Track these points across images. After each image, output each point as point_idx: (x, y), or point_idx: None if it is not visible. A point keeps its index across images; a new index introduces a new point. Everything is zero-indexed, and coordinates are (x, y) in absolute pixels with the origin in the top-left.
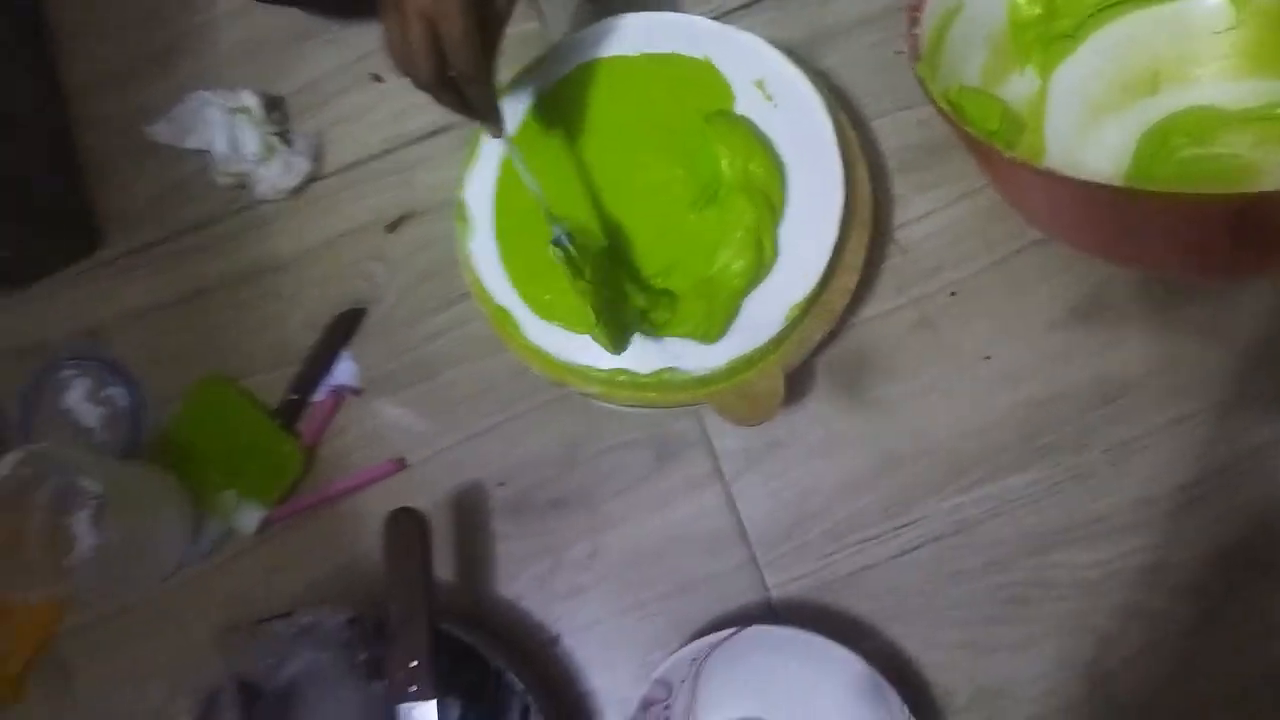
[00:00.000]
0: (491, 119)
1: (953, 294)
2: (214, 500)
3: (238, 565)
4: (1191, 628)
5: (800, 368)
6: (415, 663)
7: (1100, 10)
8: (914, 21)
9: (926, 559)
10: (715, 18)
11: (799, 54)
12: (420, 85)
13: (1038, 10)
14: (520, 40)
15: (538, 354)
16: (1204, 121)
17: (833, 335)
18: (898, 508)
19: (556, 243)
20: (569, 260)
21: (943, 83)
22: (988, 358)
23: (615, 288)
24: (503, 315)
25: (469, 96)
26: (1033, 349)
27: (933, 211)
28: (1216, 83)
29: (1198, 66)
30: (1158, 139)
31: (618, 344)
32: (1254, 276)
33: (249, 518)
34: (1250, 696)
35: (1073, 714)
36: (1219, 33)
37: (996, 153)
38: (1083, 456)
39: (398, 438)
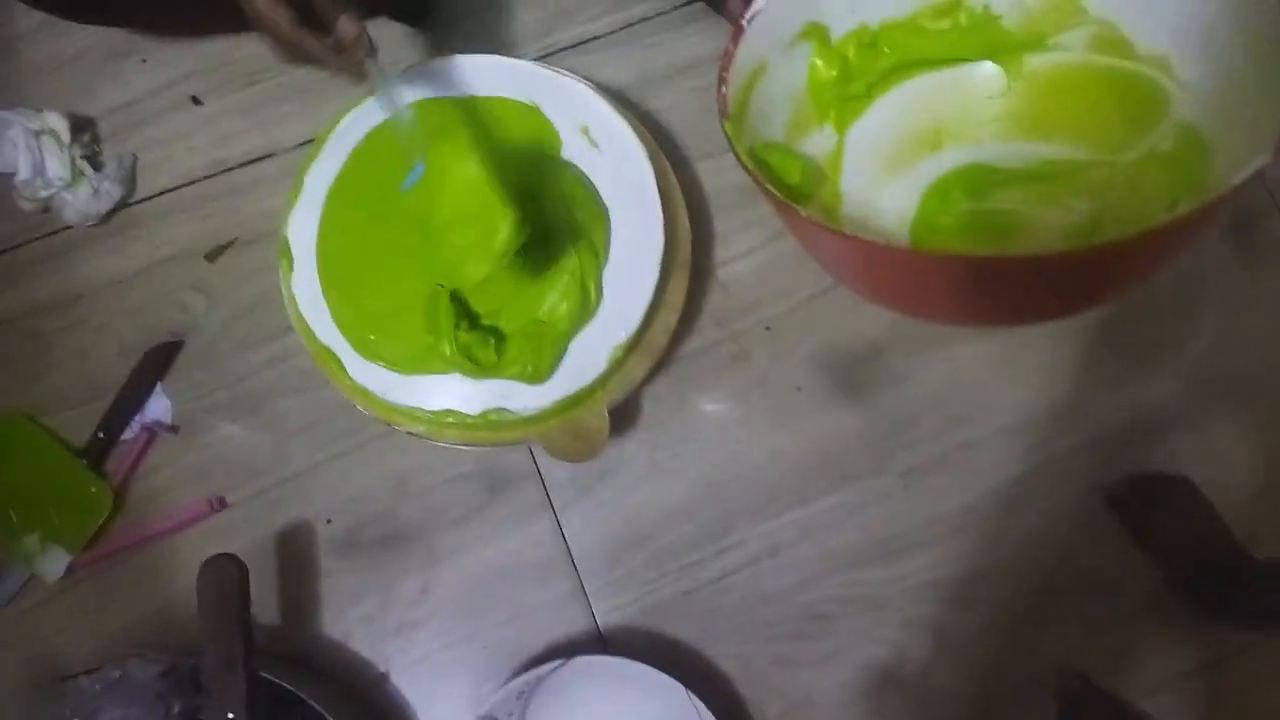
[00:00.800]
0: (354, 62)
1: (767, 328)
2: (15, 545)
3: (42, 614)
4: (972, 637)
5: (625, 401)
6: (232, 715)
7: (889, 73)
8: (722, 81)
9: (742, 581)
10: (546, 55)
11: (627, 96)
12: (283, 37)
13: (834, 72)
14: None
15: (363, 393)
16: (981, 178)
17: (656, 369)
18: (717, 532)
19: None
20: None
21: (749, 138)
22: (799, 389)
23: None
24: (327, 354)
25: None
26: (837, 380)
27: (752, 250)
28: (993, 143)
29: (976, 128)
30: (940, 193)
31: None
32: (1005, 326)
33: (54, 563)
34: (1020, 697)
35: (873, 718)
36: (993, 97)
37: (790, 209)
38: (880, 480)
39: (217, 475)
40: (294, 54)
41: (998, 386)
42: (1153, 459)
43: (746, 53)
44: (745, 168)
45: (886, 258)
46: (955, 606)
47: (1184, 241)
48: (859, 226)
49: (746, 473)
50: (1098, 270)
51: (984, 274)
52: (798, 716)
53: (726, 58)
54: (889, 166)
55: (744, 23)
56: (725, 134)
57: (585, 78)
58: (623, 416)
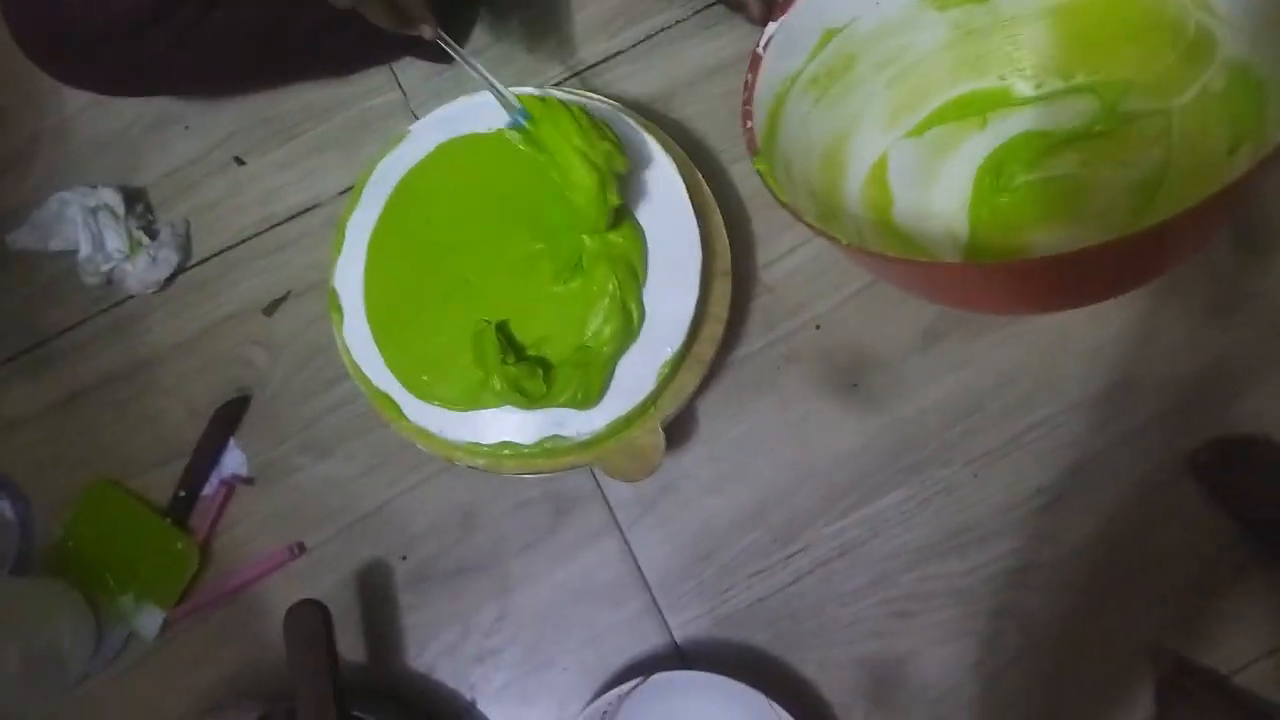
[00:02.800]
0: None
1: (818, 327)
2: (112, 606)
3: (142, 670)
4: (1059, 621)
5: (680, 415)
6: None
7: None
8: (747, 115)
9: (815, 584)
10: (572, 76)
11: (655, 108)
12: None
13: None
14: (384, 111)
15: (422, 434)
16: (1033, 147)
17: (709, 379)
18: (785, 537)
19: (515, 125)
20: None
21: (784, 163)
22: (855, 385)
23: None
24: (384, 399)
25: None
26: (894, 373)
27: (795, 248)
28: (1039, 108)
29: (1018, 93)
30: (993, 170)
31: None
32: (1069, 309)
33: (150, 621)
34: (1116, 678)
35: (964, 714)
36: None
37: (834, 239)
38: (947, 471)
39: (295, 522)
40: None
41: (1062, 364)
42: (1233, 421)
43: (767, 78)
44: (784, 205)
45: (938, 273)
46: (1039, 591)
47: (1249, 195)
48: (913, 224)
49: (809, 475)
50: (1160, 245)
51: (1039, 274)
52: (883, 716)
53: (748, 89)
54: (935, 154)
55: (760, 50)
56: (757, 172)
57: (612, 94)
58: (679, 430)
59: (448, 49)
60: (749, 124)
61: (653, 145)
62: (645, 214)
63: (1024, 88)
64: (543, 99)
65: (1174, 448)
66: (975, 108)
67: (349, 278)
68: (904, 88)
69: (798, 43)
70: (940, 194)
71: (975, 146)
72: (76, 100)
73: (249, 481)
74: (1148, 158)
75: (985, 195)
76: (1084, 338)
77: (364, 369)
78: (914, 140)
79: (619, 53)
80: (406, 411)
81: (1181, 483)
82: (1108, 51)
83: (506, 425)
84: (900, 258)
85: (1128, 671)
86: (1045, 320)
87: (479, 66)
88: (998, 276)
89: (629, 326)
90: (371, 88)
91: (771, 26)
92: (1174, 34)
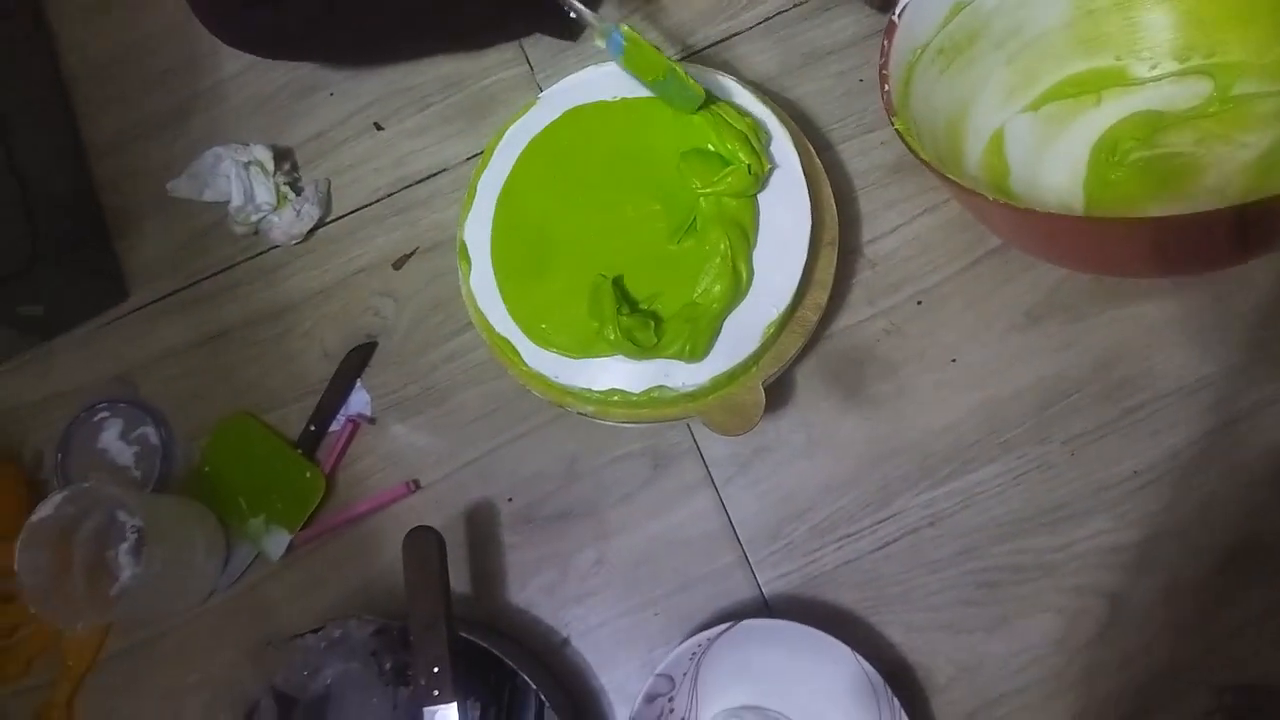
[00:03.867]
0: None
1: (919, 303)
2: (243, 528)
3: (268, 587)
4: (1148, 604)
5: (780, 378)
6: (437, 669)
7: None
8: (884, 79)
9: (903, 550)
10: (698, 50)
11: (771, 85)
12: None
13: None
14: (511, 84)
15: (537, 378)
16: (1148, 125)
17: (809, 346)
18: (876, 504)
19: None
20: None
21: (916, 128)
22: (954, 360)
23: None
24: (503, 344)
25: None
26: (994, 351)
27: (899, 226)
28: (1153, 87)
29: (1134, 72)
30: (1109, 146)
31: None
32: (1200, 273)
33: (277, 542)
34: (1200, 668)
35: (1046, 686)
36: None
37: (977, 195)
38: (1043, 449)
39: (411, 461)
40: None
41: (1168, 348)
42: None
43: (899, 47)
44: (924, 162)
45: (1063, 225)
46: (1130, 573)
47: None
48: (1028, 195)
49: (903, 446)
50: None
51: (1159, 233)
52: (966, 681)
53: (884, 55)
54: (1050, 126)
55: (895, 18)
56: (898, 132)
57: (730, 71)
58: (778, 394)
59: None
60: (886, 88)
61: (770, 118)
62: (761, 181)
63: (1140, 68)
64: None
65: (1273, 439)
66: (1091, 86)
67: (477, 232)
68: (1023, 63)
69: (928, 14)
70: (1055, 168)
71: (1090, 123)
72: (234, 63)
73: (372, 421)
74: (1262, 137)
75: (1099, 170)
76: (1190, 324)
77: (487, 316)
78: (1031, 115)
79: (737, 33)
80: (525, 356)
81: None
82: (1223, 35)
83: (617, 374)
84: (1034, 210)
85: (1216, 654)
86: (1149, 305)
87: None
88: (1123, 231)
89: (738, 286)
90: (501, 61)
91: None
92: None
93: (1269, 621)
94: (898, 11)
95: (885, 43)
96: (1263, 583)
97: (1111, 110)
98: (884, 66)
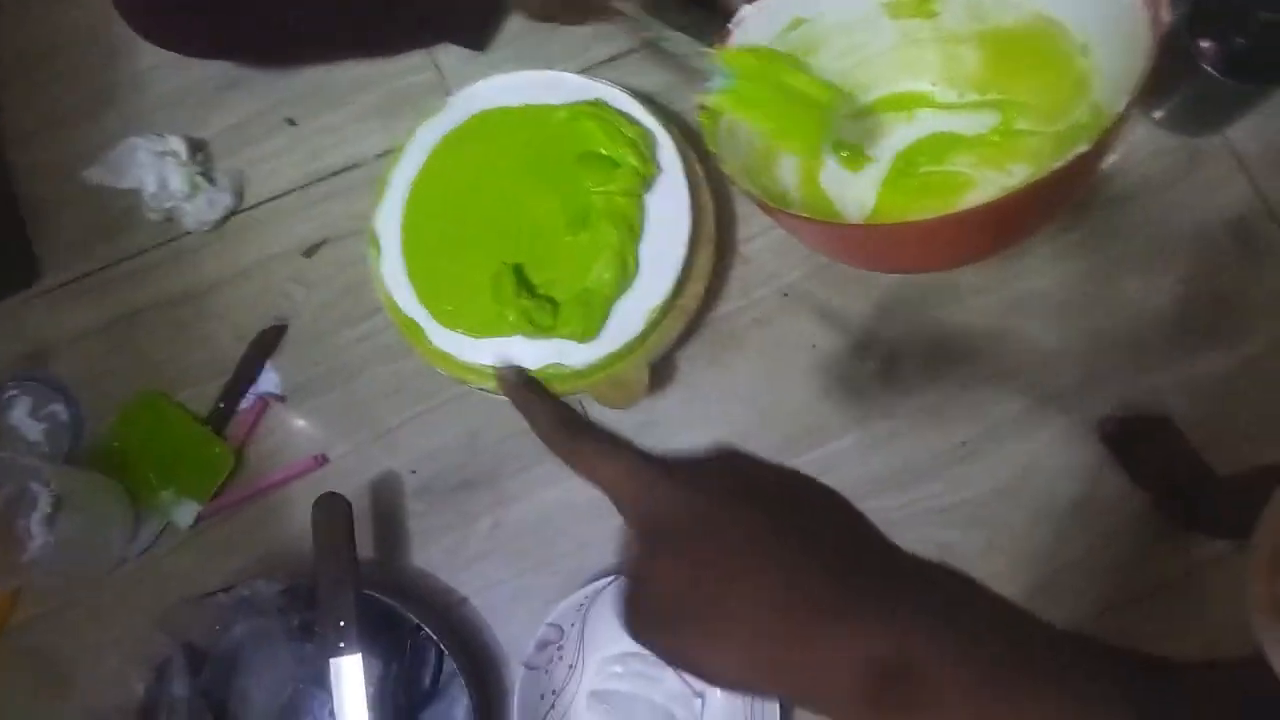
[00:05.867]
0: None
1: (785, 295)
2: (152, 499)
3: (178, 555)
4: (978, 554)
5: (664, 360)
6: (343, 622)
7: None
8: (702, 108)
9: None
10: (592, 66)
11: (657, 99)
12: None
13: None
14: (423, 88)
15: (442, 357)
16: (941, 145)
17: (689, 332)
18: None
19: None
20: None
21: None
22: (814, 346)
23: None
24: (411, 325)
25: None
26: (846, 337)
27: (769, 228)
28: (954, 114)
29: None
30: (908, 158)
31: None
32: (963, 264)
33: (186, 512)
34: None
35: None
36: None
37: (771, 209)
38: (891, 421)
39: (319, 437)
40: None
41: (997, 335)
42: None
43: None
44: (709, 152)
45: (845, 233)
46: (962, 528)
47: (1067, 190)
48: (834, 189)
49: (773, 419)
50: (1010, 217)
51: (922, 234)
52: None
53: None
54: (867, 135)
55: (731, 26)
56: (700, 123)
57: (621, 85)
58: (662, 374)
59: (647, 27)
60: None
61: (656, 128)
62: (648, 183)
63: (947, 94)
64: (754, 52)
65: (1089, 412)
66: (906, 104)
67: (388, 221)
68: (853, 77)
69: (768, 24)
70: (862, 169)
71: (899, 135)
72: (152, 57)
73: (281, 399)
74: (1024, 167)
75: (895, 177)
76: (1017, 311)
77: (395, 298)
78: (853, 121)
79: (629, 52)
80: (430, 336)
81: (1094, 445)
82: (1015, 77)
83: (516, 353)
84: (810, 220)
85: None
86: (978, 300)
87: (679, 37)
88: (891, 234)
89: (625, 275)
90: (412, 66)
91: (747, 8)
92: (1064, 71)
93: (1078, 570)
94: (735, 21)
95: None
96: (1076, 535)
97: (918, 127)
98: (703, 105)
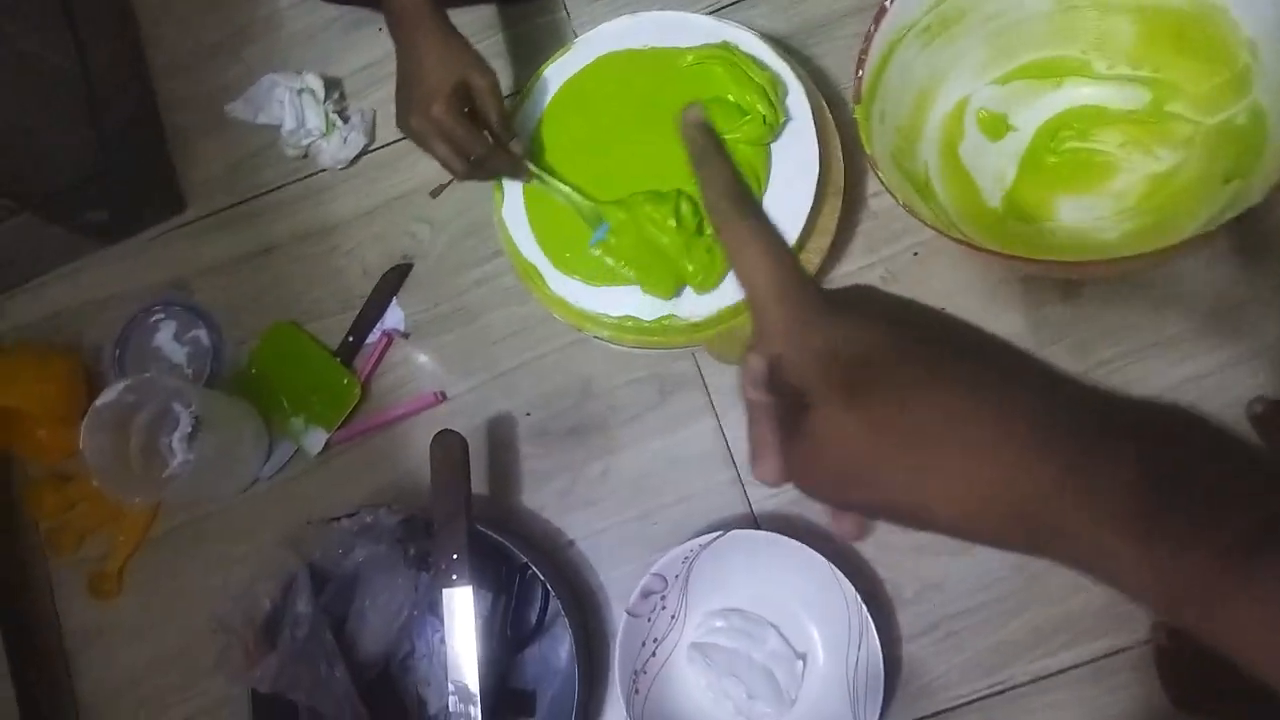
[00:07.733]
0: (515, 172)
1: (915, 254)
2: (285, 425)
3: (305, 480)
4: None
5: None
6: (456, 555)
7: None
8: (860, 64)
9: None
10: (714, 11)
11: (788, 43)
12: (463, 178)
13: None
14: (548, 29)
15: (559, 303)
16: (1088, 119)
17: None
18: None
19: (596, 243)
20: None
21: (880, 106)
22: (944, 309)
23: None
24: (529, 269)
25: (495, 166)
26: (979, 301)
27: None
28: (1104, 85)
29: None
30: (1052, 130)
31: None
32: None
33: (315, 439)
34: None
35: (1003, 604)
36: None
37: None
38: None
39: (439, 374)
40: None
41: (1138, 312)
42: None
43: (886, 28)
44: (865, 154)
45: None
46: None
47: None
48: (972, 160)
49: None
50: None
51: (1074, 269)
52: (930, 597)
53: (867, 40)
54: (1012, 101)
55: (887, 3)
56: (855, 119)
57: (752, 28)
58: None
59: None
60: (859, 73)
61: (787, 73)
62: (775, 131)
63: (1099, 65)
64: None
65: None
66: (1055, 71)
67: None
68: (1001, 42)
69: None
70: (1002, 143)
71: (1045, 104)
72: None
73: (405, 335)
74: (1172, 155)
75: (1037, 152)
76: (1168, 291)
77: (516, 243)
78: (996, 87)
79: None
80: (549, 282)
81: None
82: (1171, 57)
83: (631, 303)
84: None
85: None
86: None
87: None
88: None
89: None
90: (540, 7)
91: None
92: (1226, 63)
93: None
94: None
95: (872, 27)
96: None
97: (1067, 97)
98: (864, 51)
